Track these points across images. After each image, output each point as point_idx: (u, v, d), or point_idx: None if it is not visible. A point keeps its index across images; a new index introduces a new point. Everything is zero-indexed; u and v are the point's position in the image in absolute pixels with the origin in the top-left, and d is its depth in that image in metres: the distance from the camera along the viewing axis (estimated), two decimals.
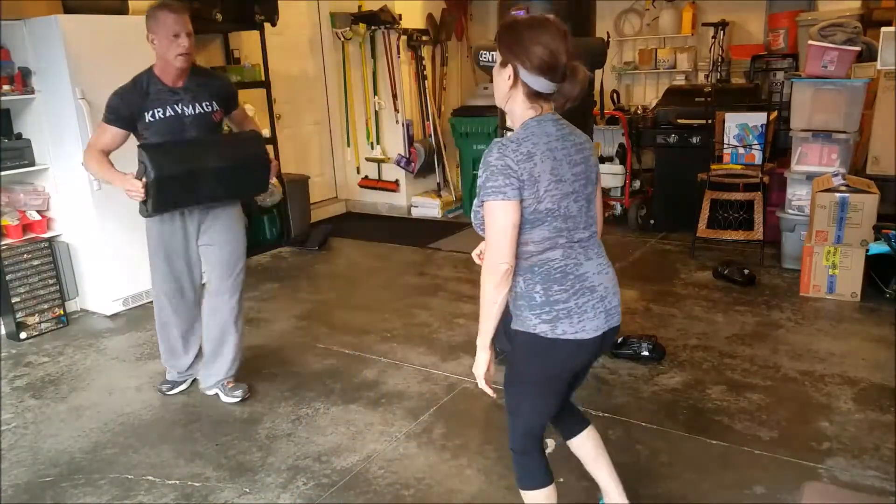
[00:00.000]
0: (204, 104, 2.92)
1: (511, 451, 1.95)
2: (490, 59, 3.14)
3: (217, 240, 3.07)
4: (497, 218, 1.67)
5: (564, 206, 1.73)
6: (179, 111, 2.86)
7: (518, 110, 1.76)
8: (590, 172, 1.81)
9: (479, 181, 1.72)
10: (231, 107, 3.10)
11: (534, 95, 1.72)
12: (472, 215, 1.83)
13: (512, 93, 1.74)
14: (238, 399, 3.19)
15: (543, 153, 1.69)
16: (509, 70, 1.71)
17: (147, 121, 2.83)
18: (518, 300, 1.79)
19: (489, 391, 1.82)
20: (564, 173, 1.72)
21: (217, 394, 3.24)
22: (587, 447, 2.10)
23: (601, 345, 1.83)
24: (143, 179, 2.68)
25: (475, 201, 1.77)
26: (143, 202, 2.75)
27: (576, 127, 1.85)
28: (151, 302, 3.40)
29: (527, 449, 1.91)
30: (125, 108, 2.82)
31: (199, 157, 2.83)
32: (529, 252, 1.74)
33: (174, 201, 2.82)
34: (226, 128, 3.28)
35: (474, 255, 2.11)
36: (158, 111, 2.83)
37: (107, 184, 3.04)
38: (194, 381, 3.32)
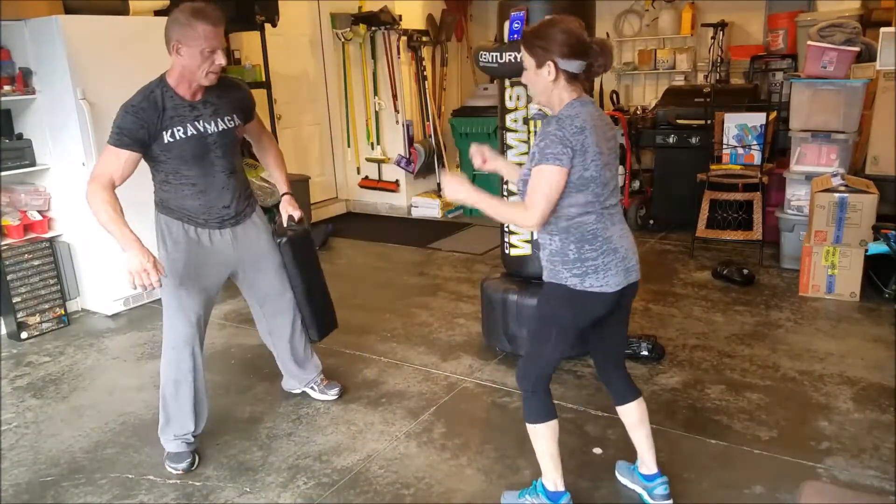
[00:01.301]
0: (226, 119, 2.54)
1: (523, 391, 2.22)
2: (490, 60, 3.15)
3: (264, 264, 2.80)
4: (549, 180, 1.93)
5: (602, 174, 2.00)
6: (202, 129, 2.47)
7: (563, 96, 2.01)
8: (617, 148, 2.12)
9: (534, 149, 1.98)
10: (249, 118, 2.72)
11: (572, 78, 1.99)
12: (518, 184, 2.09)
13: (555, 84, 1.99)
14: (335, 397, 3.14)
15: (591, 128, 1.96)
16: (548, 67, 1.97)
17: (166, 142, 2.41)
18: (553, 256, 2.07)
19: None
20: (603, 146, 1.99)
21: (305, 392, 3.18)
22: (633, 415, 2.33)
23: (620, 298, 2.10)
24: (156, 269, 2.32)
25: (523, 169, 2.06)
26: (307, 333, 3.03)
27: (601, 110, 2.12)
28: (153, 302, 3.40)
29: (537, 388, 2.18)
30: (141, 129, 2.36)
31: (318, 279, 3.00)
32: (571, 214, 2.01)
33: (330, 316, 3.14)
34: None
35: (477, 162, 2.31)
36: (178, 130, 2.42)
37: (109, 233, 2.34)
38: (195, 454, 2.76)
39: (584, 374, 3.30)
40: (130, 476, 2.66)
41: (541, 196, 1.94)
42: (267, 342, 3.08)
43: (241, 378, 3.43)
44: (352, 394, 3.22)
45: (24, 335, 4.00)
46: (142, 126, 2.37)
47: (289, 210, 2.91)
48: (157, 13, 4.52)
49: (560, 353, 2.17)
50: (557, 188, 1.94)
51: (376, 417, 3.01)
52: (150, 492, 2.56)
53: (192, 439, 2.73)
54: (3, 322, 4.06)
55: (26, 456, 2.83)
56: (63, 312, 4.19)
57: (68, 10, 4.09)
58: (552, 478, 2.24)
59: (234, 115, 2.59)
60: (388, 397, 3.18)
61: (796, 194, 4.59)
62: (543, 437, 2.21)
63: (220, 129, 2.52)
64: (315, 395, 3.17)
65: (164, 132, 2.41)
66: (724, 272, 4.48)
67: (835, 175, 4.17)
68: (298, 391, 3.20)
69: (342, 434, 2.89)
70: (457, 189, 2.11)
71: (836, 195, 4.04)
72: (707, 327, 3.79)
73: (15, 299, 3.95)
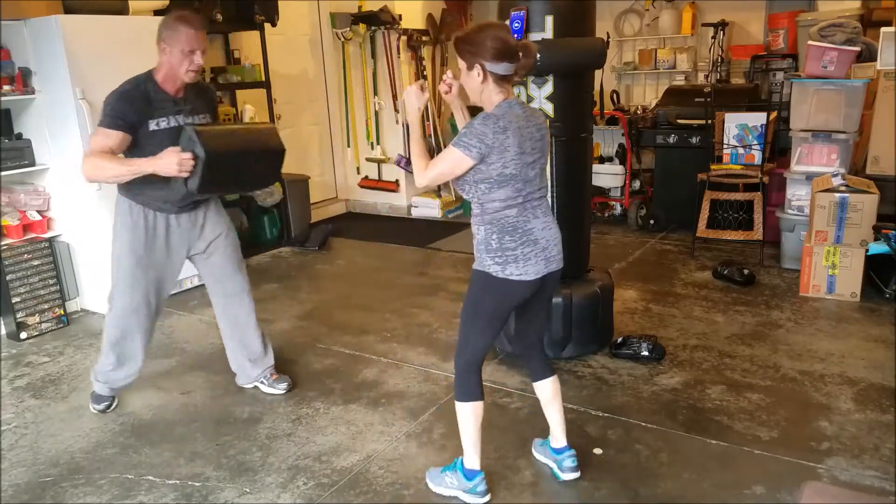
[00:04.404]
0: (200, 116, 2.84)
1: (456, 369, 2.35)
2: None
3: (217, 245, 3.03)
4: (451, 160, 2.15)
5: (524, 172, 2.18)
6: (181, 122, 2.75)
7: (492, 97, 2.17)
8: (544, 147, 2.28)
9: (460, 131, 2.16)
10: (215, 119, 3.05)
11: (501, 79, 2.15)
12: None
13: (484, 85, 2.16)
14: (283, 391, 3.22)
15: (514, 129, 2.12)
16: (477, 68, 2.13)
17: (151, 129, 2.68)
18: (479, 245, 2.26)
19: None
20: (527, 147, 2.17)
21: (257, 386, 3.27)
22: (548, 391, 2.51)
23: (542, 286, 2.28)
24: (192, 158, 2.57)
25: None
26: (185, 180, 2.61)
27: (535, 109, 2.33)
28: None
29: (470, 368, 2.32)
30: (133, 113, 2.64)
31: (240, 143, 2.77)
32: (495, 208, 2.19)
33: (217, 183, 2.72)
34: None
35: (443, 87, 2.35)
36: (163, 121, 2.71)
37: (133, 175, 2.65)
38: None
39: (584, 374, 3.30)
40: (130, 476, 2.66)
41: (439, 168, 2.18)
42: (223, 335, 3.23)
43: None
44: (352, 394, 3.22)
45: (23, 335, 3.99)
46: (134, 111, 2.65)
47: None
48: (157, 13, 4.51)
49: (488, 337, 2.31)
50: (453, 170, 2.16)
51: (376, 418, 3.00)
52: (150, 492, 2.55)
53: (126, 381, 3.09)
54: (2, 322, 4.05)
55: (26, 456, 2.82)
56: (62, 312, 4.18)
57: (68, 10, 4.08)
58: (470, 457, 2.39)
59: (207, 115, 2.90)
60: (388, 397, 3.17)
61: (797, 194, 4.58)
62: (468, 417, 2.34)
63: (198, 123, 2.78)
64: (264, 388, 3.25)
65: (151, 121, 2.69)
66: (725, 272, 4.47)
67: (835, 175, 4.17)
68: (250, 386, 3.28)
69: (342, 434, 2.88)
70: (414, 99, 2.28)
71: (837, 195, 4.03)
72: (707, 327, 3.78)
73: (14, 299, 3.95)
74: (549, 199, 3.28)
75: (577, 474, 2.49)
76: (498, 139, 2.09)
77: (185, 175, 2.57)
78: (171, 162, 2.55)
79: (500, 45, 2.10)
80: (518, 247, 2.19)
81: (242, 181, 3.01)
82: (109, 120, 2.63)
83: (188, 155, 2.55)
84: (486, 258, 2.23)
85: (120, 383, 3.10)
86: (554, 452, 2.53)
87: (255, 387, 3.27)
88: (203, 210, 2.98)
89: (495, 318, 2.29)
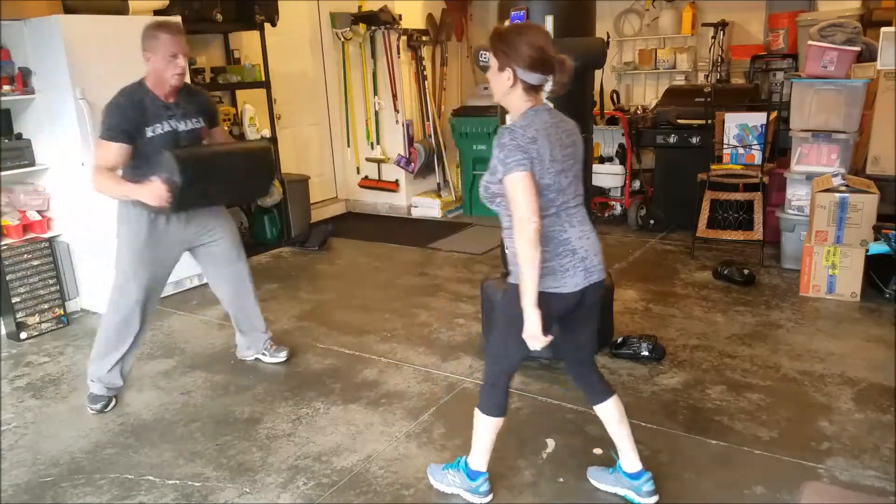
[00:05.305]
0: (193, 120, 2.97)
1: (483, 382, 2.32)
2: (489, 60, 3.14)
3: (217, 234, 3.19)
4: (523, 186, 1.97)
5: (558, 180, 2.06)
6: (174, 127, 2.90)
7: (517, 103, 2.07)
8: (577, 153, 2.15)
9: (494, 161, 2.03)
10: (213, 123, 3.15)
11: (530, 89, 2.04)
12: (481, 190, 2.14)
13: (512, 90, 2.05)
14: (283, 359, 3.53)
15: (543, 137, 2.01)
16: (508, 72, 2.02)
17: (147, 137, 2.83)
18: (514, 258, 2.09)
19: (542, 344, 2.06)
20: (557, 154, 2.05)
21: (258, 358, 3.55)
22: (612, 413, 2.37)
23: (583, 298, 2.17)
24: (169, 184, 2.73)
25: (486, 177, 2.10)
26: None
27: (565, 115, 2.18)
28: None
29: (499, 383, 2.28)
30: (126, 124, 2.81)
31: (222, 165, 2.95)
32: None
33: (195, 203, 2.95)
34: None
35: None
36: (158, 127, 2.85)
37: (128, 198, 2.89)
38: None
39: None
40: (130, 476, 2.66)
41: (521, 203, 1.98)
42: (229, 311, 3.45)
43: (241, 378, 3.42)
44: (352, 394, 3.22)
45: (23, 335, 3.99)
46: (127, 122, 2.80)
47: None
48: (157, 13, 4.51)
49: (523, 352, 2.17)
50: (531, 190, 1.98)
51: (376, 418, 3.00)
52: (150, 492, 2.55)
53: (119, 381, 3.17)
54: (2, 322, 4.05)
55: (26, 456, 2.82)
56: (62, 312, 4.18)
57: (67, 10, 4.08)
58: (478, 460, 2.39)
59: (200, 118, 3.02)
60: (388, 398, 3.17)
61: (797, 194, 4.58)
62: (487, 429, 2.33)
63: (189, 128, 2.95)
64: (266, 359, 3.54)
65: (147, 128, 2.83)
66: (725, 272, 4.47)
67: (835, 175, 4.17)
68: (251, 358, 3.55)
69: (342, 434, 2.88)
70: (533, 330, 2.04)
71: (837, 195, 4.03)
72: (708, 327, 3.78)
73: (14, 299, 3.94)
74: None
75: (656, 497, 2.35)
76: (533, 149, 1.98)
77: (166, 204, 2.77)
78: (153, 196, 2.74)
79: (538, 53, 1.98)
80: (554, 258, 2.08)
81: (223, 197, 3.19)
82: (107, 133, 2.80)
83: (165, 192, 2.72)
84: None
85: (117, 382, 3.17)
86: (630, 478, 2.37)
87: (257, 359, 3.54)
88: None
89: None
